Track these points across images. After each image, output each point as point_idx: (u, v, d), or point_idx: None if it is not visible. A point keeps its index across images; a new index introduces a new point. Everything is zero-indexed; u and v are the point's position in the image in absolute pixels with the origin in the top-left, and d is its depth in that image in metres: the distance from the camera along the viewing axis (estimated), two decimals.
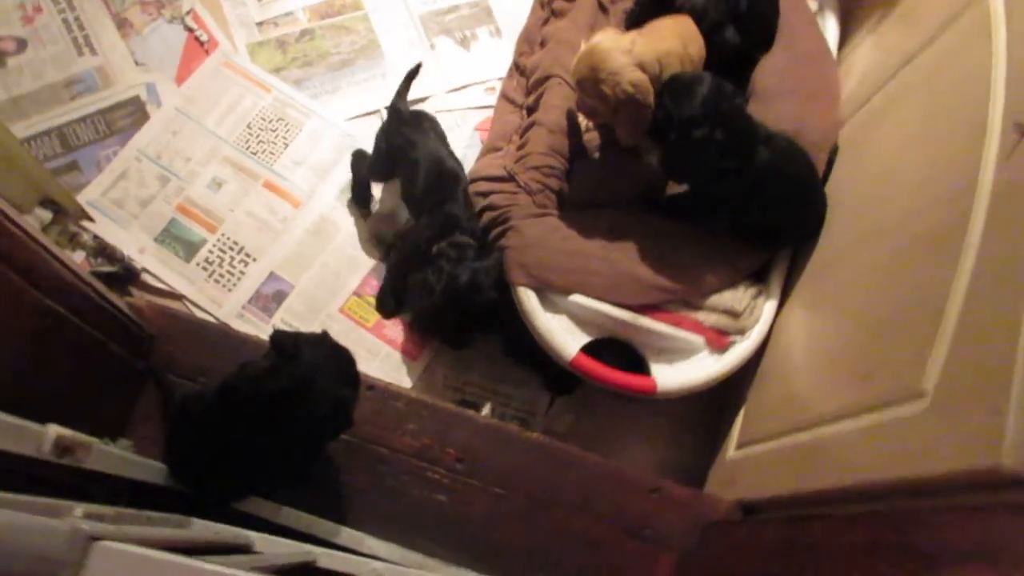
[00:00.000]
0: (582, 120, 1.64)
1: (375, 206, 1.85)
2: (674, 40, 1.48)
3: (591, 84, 1.42)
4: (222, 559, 0.80)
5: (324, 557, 1.15)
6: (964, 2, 1.23)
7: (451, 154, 1.64)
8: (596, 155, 1.65)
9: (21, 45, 1.95)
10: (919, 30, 1.37)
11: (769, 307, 1.52)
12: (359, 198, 1.83)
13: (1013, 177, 0.93)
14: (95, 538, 0.66)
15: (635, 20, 1.73)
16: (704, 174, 1.45)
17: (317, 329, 1.69)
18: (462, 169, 1.62)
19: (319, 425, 1.21)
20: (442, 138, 1.67)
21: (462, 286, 1.48)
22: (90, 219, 1.71)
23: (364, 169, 1.78)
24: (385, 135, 1.68)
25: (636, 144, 1.53)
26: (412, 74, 1.78)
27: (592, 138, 1.66)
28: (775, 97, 1.57)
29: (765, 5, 1.63)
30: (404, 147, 1.60)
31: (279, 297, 1.75)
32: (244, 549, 1.12)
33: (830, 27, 1.77)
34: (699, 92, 1.36)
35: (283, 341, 1.19)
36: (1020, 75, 1.00)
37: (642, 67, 1.40)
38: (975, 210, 0.97)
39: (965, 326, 0.91)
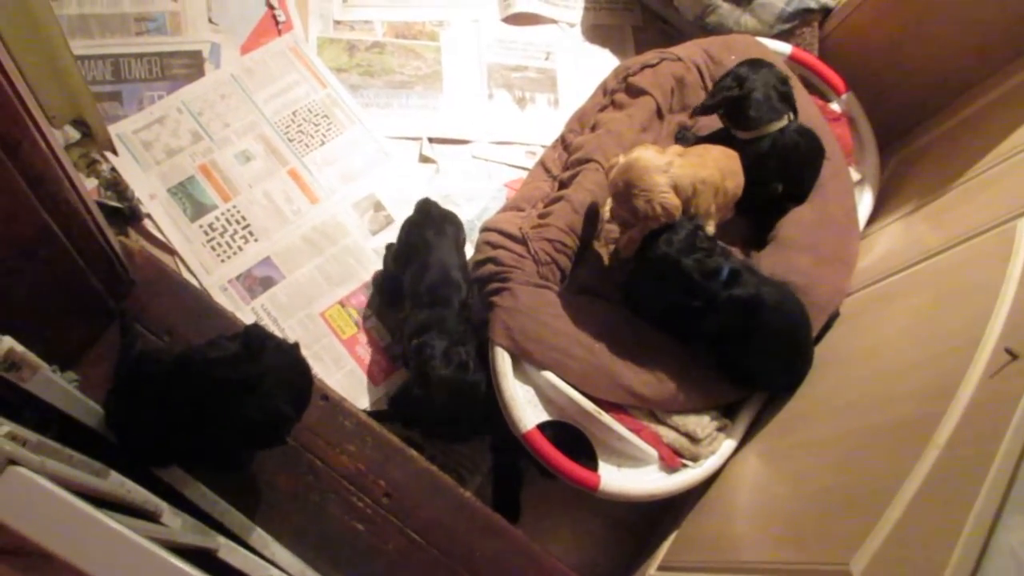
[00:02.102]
0: (605, 210, 1.67)
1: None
2: (715, 170, 1.52)
3: (624, 197, 1.45)
4: (127, 520, 0.79)
5: (226, 549, 1.14)
6: (992, 222, 1.27)
7: (462, 265, 1.62)
8: (610, 247, 1.68)
9: None
10: (946, 232, 1.41)
11: (728, 444, 1.53)
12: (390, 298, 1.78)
13: (990, 396, 0.95)
14: (13, 461, 0.66)
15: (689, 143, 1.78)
16: (650, 311, 1.55)
17: (294, 325, 1.71)
18: (467, 280, 1.61)
19: (251, 428, 1.20)
20: (460, 246, 1.66)
21: (451, 368, 1.45)
22: (114, 152, 1.72)
23: (388, 263, 1.76)
24: (409, 228, 1.67)
25: (630, 257, 1.56)
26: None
27: (611, 229, 1.69)
28: (793, 248, 1.61)
29: (813, 174, 1.69)
30: (421, 248, 1.60)
31: (267, 283, 1.76)
32: (152, 516, 1.10)
33: (865, 200, 1.81)
34: (662, 243, 1.43)
35: (255, 335, 1.19)
36: None
37: (677, 188, 1.43)
38: (948, 415, 0.98)
39: (907, 522, 0.91)
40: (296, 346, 1.26)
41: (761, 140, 1.62)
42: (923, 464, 0.95)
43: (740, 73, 1.64)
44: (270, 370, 1.18)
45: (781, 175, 1.65)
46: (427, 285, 1.55)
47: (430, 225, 1.63)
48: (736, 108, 1.64)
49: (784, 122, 1.61)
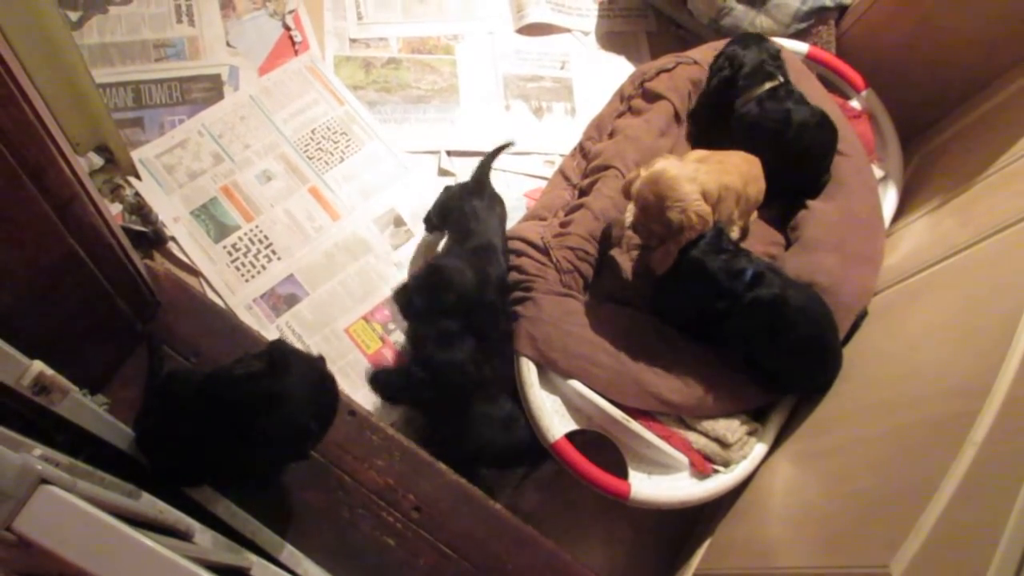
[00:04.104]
0: (628, 214, 1.66)
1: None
2: (736, 177, 1.51)
3: (656, 210, 1.43)
4: (160, 539, 0.79)
5: (258, 567, 1.14)
6: (1021, 214, 1.25)
7: (505, 250, 1.65)
8: (632, 254, 1.67)
9: None
10: (973, 227, 1.39)
11: (760, 448, 1.51)
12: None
13: None
14: (46, 481, 0.66)
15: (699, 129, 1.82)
16: (676, 316, 1.56)
17: (319, 341, 1.72)
18: (505, 254, 1.63)
19: (276, 443, 1.20)
20: (503, 223, 1.69)
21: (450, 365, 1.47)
22: (137, 177, 1.74)
23: (431, 215, 1.80)
24: (461, 193, 1.69)
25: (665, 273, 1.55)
26: (500, 148, 1.82)
27: (633, 236, 1.67)
28: (818, 248, 1.59)
29: (825, 162, 1.69)
30: (468, 216, 1.62)
31: (291, 300, 1.77)
32: (184, 536, 1.10)
33: (889, 197, 1.79)
34: (689, 246, 1.43)
35: (279, 350, 1.19)
36: None
37: (705, 194, 1.41)
38: (985, 412, 0.96)
39: (947, 522, 0.89)
40: (321, 360, 1.26)
41: (749, 106, 1.66)
42: (961, 462, 0.93)
43: (728, 52, 1.71)
44: (294, 385, 1.18)
45: (787, 166, 1.66)
46: (471, 247, 1.57)
47: (482, 196, 1.65)
48: (730, 86, 1.70)
49: (775, 83, 1.65)
